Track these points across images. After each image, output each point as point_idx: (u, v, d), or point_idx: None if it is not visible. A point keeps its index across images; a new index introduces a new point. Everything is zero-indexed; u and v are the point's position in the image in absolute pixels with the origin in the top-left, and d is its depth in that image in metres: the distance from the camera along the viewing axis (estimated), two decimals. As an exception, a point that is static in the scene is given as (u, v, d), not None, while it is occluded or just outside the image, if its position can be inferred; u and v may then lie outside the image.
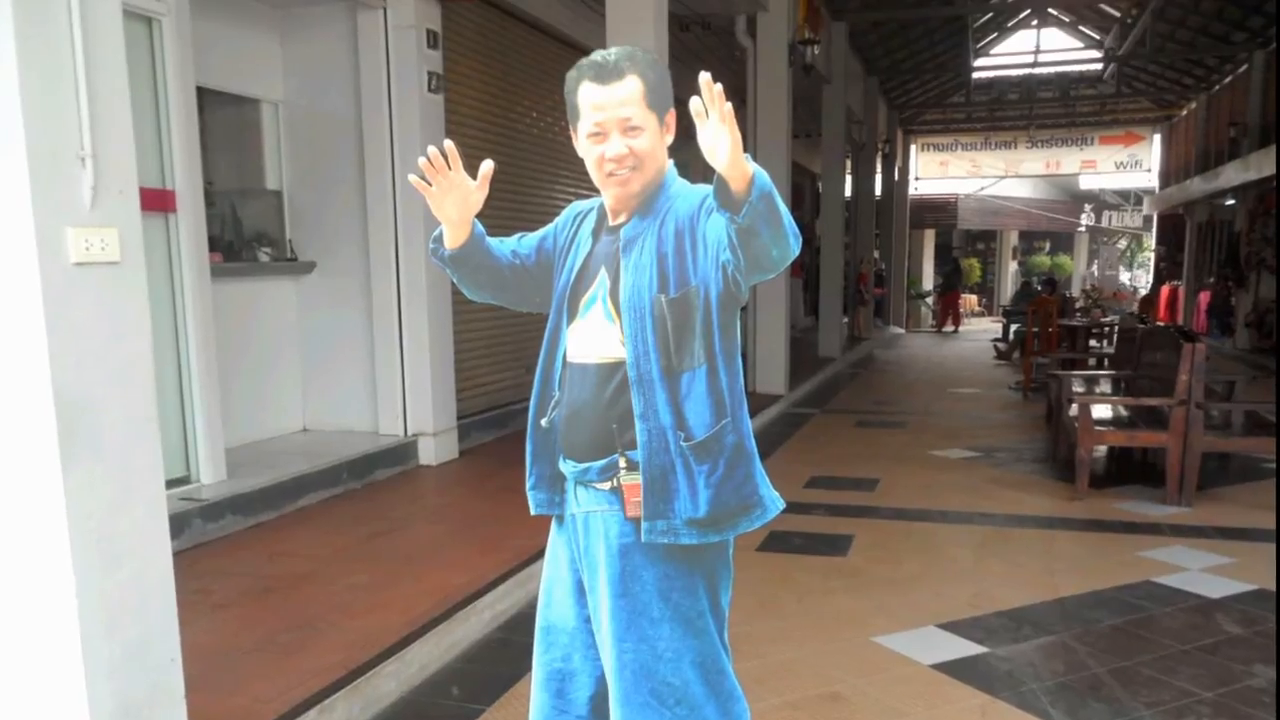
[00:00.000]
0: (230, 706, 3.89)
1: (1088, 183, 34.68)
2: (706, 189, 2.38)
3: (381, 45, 7.81)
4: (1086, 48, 23.03)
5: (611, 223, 2.64)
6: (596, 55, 2.51)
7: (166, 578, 3.40)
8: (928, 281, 32.92)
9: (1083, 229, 39.02)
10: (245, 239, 8.18)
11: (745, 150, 2.12)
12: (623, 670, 2.55)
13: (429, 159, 2.45)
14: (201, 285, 6.49)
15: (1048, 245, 40.36)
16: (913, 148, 29.57)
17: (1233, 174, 18.78)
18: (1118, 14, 20.09)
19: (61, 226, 2.98)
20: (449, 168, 2.48)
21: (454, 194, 2.52)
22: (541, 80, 10.15)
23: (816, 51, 13.39)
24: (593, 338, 2.58)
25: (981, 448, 9.57)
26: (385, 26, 7.79)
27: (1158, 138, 28.07)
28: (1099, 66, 22.21)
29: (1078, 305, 20.62)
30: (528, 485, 2.76)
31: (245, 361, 7.73)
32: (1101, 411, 8.25)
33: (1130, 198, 37.54)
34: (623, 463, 2.52)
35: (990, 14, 20.44)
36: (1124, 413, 8.26)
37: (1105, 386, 9.77)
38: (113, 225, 3.14)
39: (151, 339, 3.35)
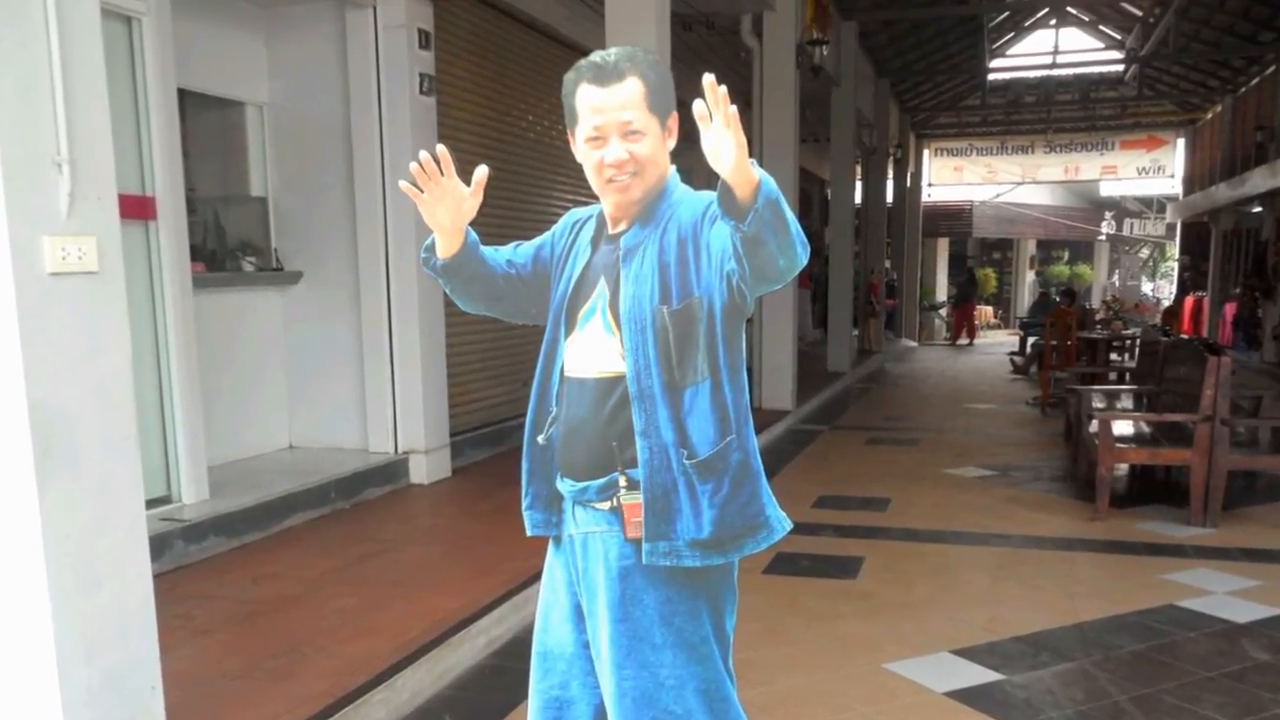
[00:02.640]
0: (212, 736, 3.89)
1: (1108, 189, 34.73)
2: (710, 196, 2.38)
3: (371, 45, 7.83)
4: (1107, 48, 23.08)
5: (611, 231, 2.64)
6: (595, 56, 2.51)
7: (147, 601, 3.40)
8: (941, 292, 32.94)
9: (1103, 237, 39.08)
10: (229, 248, 8.19)
11: (751, 155, 2.12)
12: (623, 698, 2.54)
13: (420, 164, 2.45)
14: (183, 296, 6.50)
15: (1066, 254, 40.41)
16: (925, 152, 29.62)
17: (1259, 180, 18.78)
18: (1140, 13, 20.14)
19: (37, 235, 2.99)
20: (441, 173, 2.47)
21: (446, 201, 2.51)
22: (538, 82, 10.17)
23: (825, 52, 13.42)
24: (591, 351, 2.58)
25: (997, 466, 9.56)
26: (375, 26, 7.80)
27: (1181, 142, 28.10)
28: (1120, 68, 22.26)
29: (1098, 317, 20.63)
30: (524, 505, 2.76)
31: (229, 376, 7.73)
32: (1123, 428, 8.24)
33: (1153, 205, 37.63)
34: (623, 481, 2.52)
35: (1007, 13, 20.48)
36: (1146, 429, 8.26)
37: (1127, 402, 9.76)
38: (90, 233, 3.15)
39: (131, 352, 3.36)
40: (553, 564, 2.79)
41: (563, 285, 2.69)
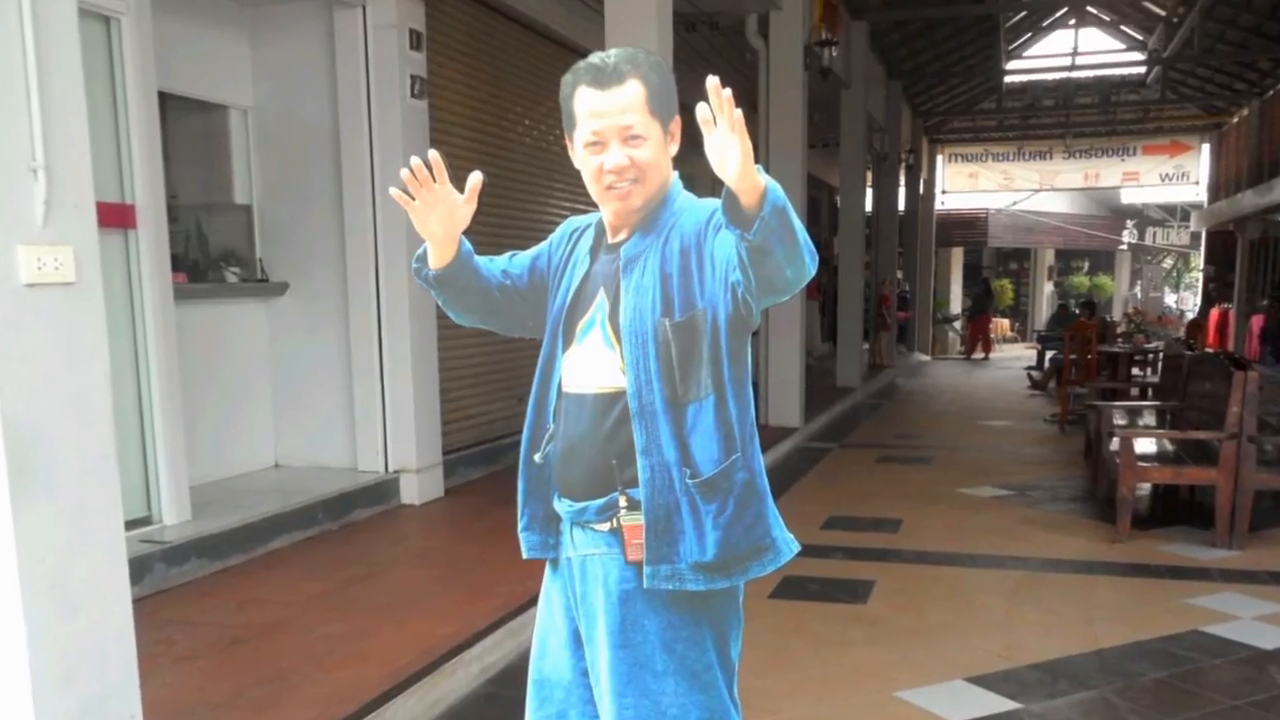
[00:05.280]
0: (193, 768, 3.89)
1: (1130, 197, 34.76)
2: (714, 203, 2.39)
3: (360, 46, 7.83)
4: (1129, 49, 23.09)
5: (611, 240, 2.65)
6: (595, 58, 2.52)
7: (126, 627, 3.40)
8: (955, 304, 32.93)
9: (1124, 247, 39.08)
10: (211, 258, 8.19)
11: (757, 161, 2.13)
12: (623, 728, 2.54)
13: (412, 170, 2.45)
14: (164, 308, 6.50)
15: (1086, 265, 40.42)
16: (939, 158, 29.64)
17: (1288, 187, 18.80)
18: (1163, 13, 20.15)
19: (11, 244, 3.00)
20: (433, 180, 2.47)
21: (439, 209, 2.51)
22: (535, 85, 10.19)
23: (834, 53, 13.44)
24: (590, 365, 2.58)
25: (1014, 485, 9.56)
26: (364, 26, 7.80)
27: (1206, 148, 28.07)
28: (1142, 70, 22.26)
29: (1119, 330, 20.63)
30: (519, 526, 2.76)
31: (212, 391, 7.73)
32: (1145, 446, 8.23)
33: (1176, 213, 37.65)
34: (623, 502, 2.52)
35: (1024, 13, 20.50)
36: (1169, 447, 8.25)
37: (1149, 419, 9.76)
38: (67, 243, 3.15)
39: (109, 367, 3.36)
40: (550, 588, 2.78)
41: (560, 297, 2.69)
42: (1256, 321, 21.37)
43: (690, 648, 2.54)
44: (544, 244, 2.83)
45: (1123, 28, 22.89)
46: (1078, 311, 19.62)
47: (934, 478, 10.06)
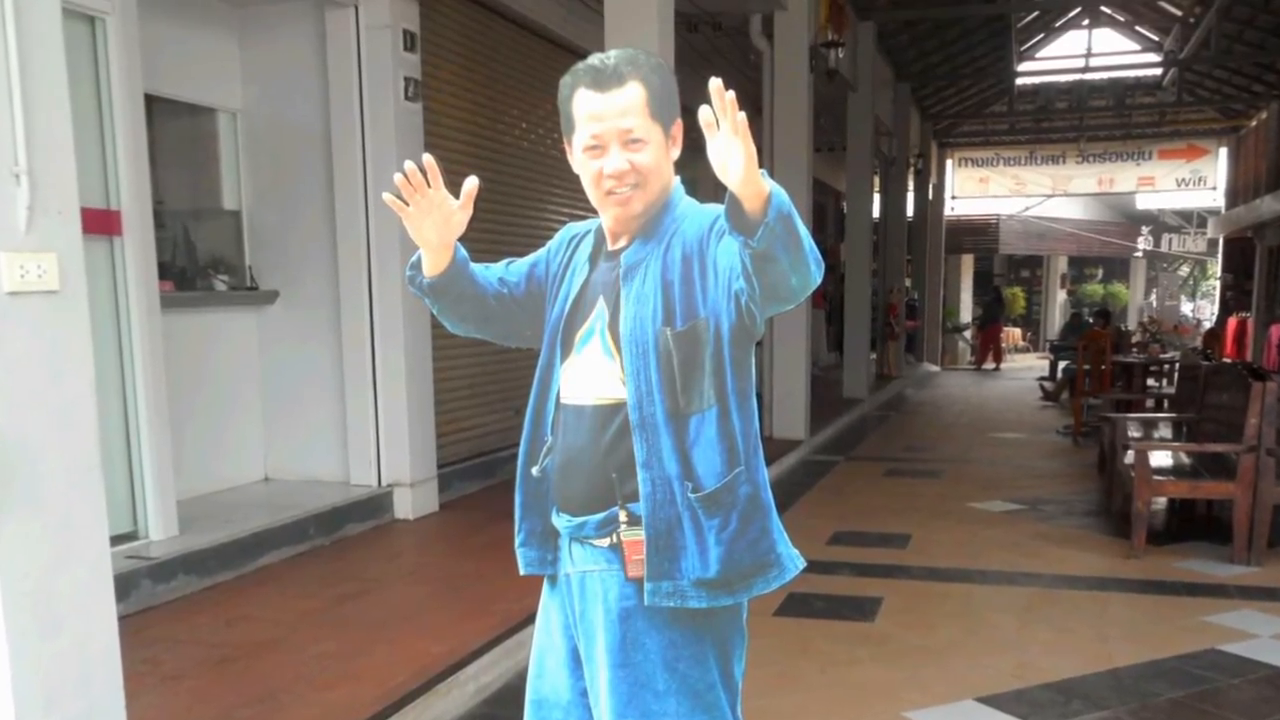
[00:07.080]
0: (180, 791, 3.88)
1: (1145, 202, 34.71)
2: (717, 209, 2.39)
3: (352, 47, 7.83)
4: (1144, 50, 23.10)
5: (611, 247, 2.65)
6: (594, 59, 2.52)
7: (111, 645, 3.39)
8: (965, 313, 32.92)
9: (1140, 254, 39.06)
10: (199, 265, 8.20)
11: (761, 165, 2.12)
12: (623, 749, 2.54)
13: (406, 175, 2.45)
14: (150, 317, 6.50)
15: (1100, 272, 40.44)
16: (949, 163, 29.63)
17: (1307, 192, 18.77)
18: (1179, 13, 20.16)
19: (-5, 251, 3.00)
20: (428, 185, 2.47)
21: (434, 215, 2.51)
22: (532, 87, 10.20)
23: (841, 55, 13.44)
24: (590, 376, 2.58)
25: (1026, 499, 9.55)
26: (356, 26, 7.81)
27: (1224, 151, 28.05)
28: (1158, 71, 22.26)
29: (1134, 339, 20.62)
30: (516, 542, 2.76)
31: (199, 403, 7.73)
32: (1161, 459, 8.23)
33: (1193, 219, 37.63)
34: (623, 516, 2.52)
35: (1036, 13, 20.50)
36: (1186, 460, 8.25)
37: (1165, 431, 9.75)
38: (51, 250, 3.15)
39: (94, 377, 3.36)
40: (548, 605, 2.78)
41: (559, 305, 2.69)
42: (1276, 331, 21.34)
43: (692, 666, 2.53)
44: (542, 251, 2.83)
45: (1138, 28, 22.89)
46: (1091, 320, 19.60)
47: (943, 491, 10.06)
